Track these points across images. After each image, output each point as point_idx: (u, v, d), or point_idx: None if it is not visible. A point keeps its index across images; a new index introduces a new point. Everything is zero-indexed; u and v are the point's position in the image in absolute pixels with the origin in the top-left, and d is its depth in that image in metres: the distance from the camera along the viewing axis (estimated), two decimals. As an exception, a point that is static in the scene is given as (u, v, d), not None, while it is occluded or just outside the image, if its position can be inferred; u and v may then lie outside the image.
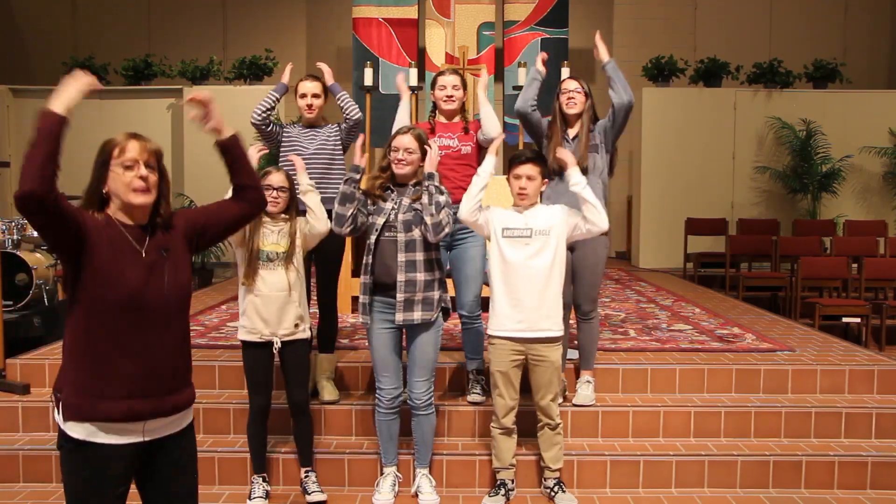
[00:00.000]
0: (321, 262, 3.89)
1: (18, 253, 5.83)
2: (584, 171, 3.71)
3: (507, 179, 3.43)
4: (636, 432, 3.84)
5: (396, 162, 3.32)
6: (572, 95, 3.82)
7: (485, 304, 3.77)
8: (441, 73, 3.98)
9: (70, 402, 1.96)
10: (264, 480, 3.45)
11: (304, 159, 3.70)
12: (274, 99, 4.04)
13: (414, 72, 6.52)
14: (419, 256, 3.28)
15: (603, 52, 3.88)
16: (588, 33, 10.05)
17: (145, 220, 2.05)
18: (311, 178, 3.63)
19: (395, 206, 3.31)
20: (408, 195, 3.33)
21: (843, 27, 10.10)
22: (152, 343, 2.00)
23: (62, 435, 1.99)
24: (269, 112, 3.98)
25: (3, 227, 6.20)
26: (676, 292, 6.67)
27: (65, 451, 1.99)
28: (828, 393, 4.11)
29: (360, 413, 3.83)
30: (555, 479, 3.48)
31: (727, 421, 3.86)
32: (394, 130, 3.54)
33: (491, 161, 3.39)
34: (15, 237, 6.24)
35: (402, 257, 3.26)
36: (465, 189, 3.47)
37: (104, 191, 2.03)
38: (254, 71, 8.88)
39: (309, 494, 3.45)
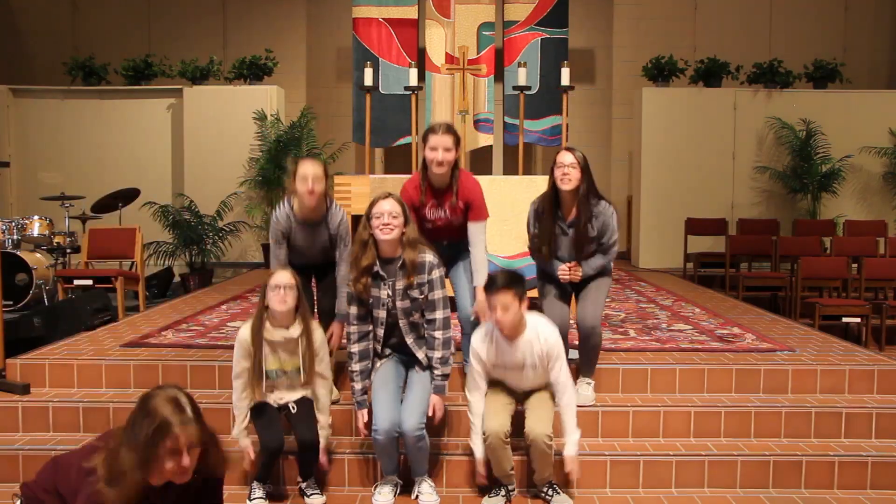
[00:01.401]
0: (321, 272, 3.91)
1: (18, 253, 5.83)
2: (583, 258, 3.80)
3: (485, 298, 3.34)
4: (636, 432, 3.84)
5: (382, 227, 3.28)
6: (567, 171, 3.66)
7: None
8: (433, 131, 3.64)
9: None
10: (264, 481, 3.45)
11: (306, 248, 3.80)
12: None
13: (414, 72, 6.52)
14: (424, 333, 3.46)
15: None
16: (588, 33, 10.13)
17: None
18: (314, 258, 3.79)
19: (391, 293, 3.38)
20: (399, 279, 3.35)
21: (843, 27, 10.09)
22: None
23: None
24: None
25: (3, 227, 6.21)
26: (676, 292, 6.67)
27: None
28: (828, 393, 4.11)
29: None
30: (547, 481, 3.48)
31: (727, 421, 3.86)
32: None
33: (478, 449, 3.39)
34: (15, 237, 6.24)
35: (409, 339, 3.43)
36: (459, 240, 3.65)
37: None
38: (254, 71, 8.89)
39: (308, 497, 3.46)
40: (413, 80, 6.42)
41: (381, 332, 3.43)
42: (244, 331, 3.36)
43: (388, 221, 3.28)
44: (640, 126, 9.02)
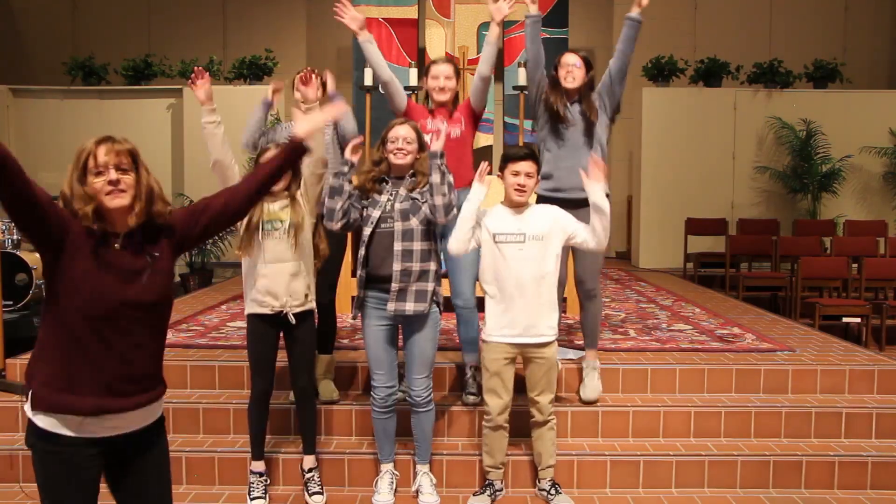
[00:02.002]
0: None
1: (18, 253, 5.83)
2: (591, 128, 3.72)
3: (501, 175, 3.36)
4: (636, 432, 3.84)
5: (396, 152, 3.26)
6: (570, 69, 3.75)
7: (480, 303, 3.77)
8: (434, 63, 3.88)
9: (39, 393, 1.98)
10: (263, 476, 3.45)
11: None
12: (258, 119, 3.92)
13: (414, 72, 6.52)
14: (416, 246, 3.24)
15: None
16: (588, 33, 10.12)
17: (129, 226, 2.01)
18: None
19: (391, 197, 3.27)
20: (404, 185, 3.29)
21: (843, 27, 10.10)
22: (124, 350, 2.00)
23: (30, 428, 2.01)
24: (256, 135, 3.88)
25: (3, 227, 6.20)
26: (676, 292, 6.67)
27: (34, 447, 2.02)
28: (828, 393, 4.11)
29: (360, 413, 3.83)
30: (549, 479, 3.47)
31: (727, 421, 3.86)
32: (379, 74, 3.61)
33: (477, 192, 3.26)
34: (15, 237, 6.23)
35: (398, 246, 3.21)
36: (455, 172, 3.45)
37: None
38: (254, 71, 8.89)
39: (311, 496, 3.45)
40: (413, 80, 6.42)
41: (367, 231, 3.25)
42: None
43: (403, 146, 3.25)
44: (640, 126, 9.02)
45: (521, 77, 6.34)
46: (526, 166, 3.28)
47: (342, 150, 3.68)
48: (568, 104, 3.80)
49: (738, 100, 8.99)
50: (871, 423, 3.88)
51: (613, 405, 3.90)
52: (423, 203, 3.24)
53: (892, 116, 8.96)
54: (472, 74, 7.45)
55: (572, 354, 4.20)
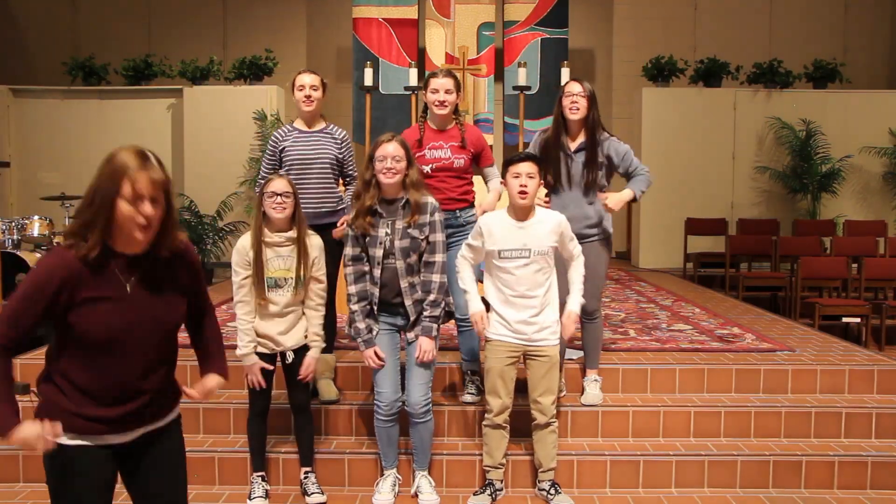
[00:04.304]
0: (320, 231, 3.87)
1: (18, 253, 5.83)
2: (590, 186, 3.73)
3: (504, 180, 3.37)
4: (636, 432, 3.84)
5: (384, 171, 3.24)
6: (575, 100, 3.68)
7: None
8: (434, 75, 3.80)
9: (47, 410, 1.98)
10: (264, 480, 3.46)
11: (305, 165, 3.76)
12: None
13: (414, 72, 6.52)
14: (418, 278, 3.31)
15: (617, 201, 3.70)
16: (588, 33, 10.13)
17: (141, 250, 1.97)
18: (310, 184, 3.70)
19: (389, 232, 3.29)
20: (400, 218, 3.30)
21: (843, 27, 10.10)
22: (133, 376, 1.99)
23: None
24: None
25: (3, 227, 6.20)
26: (676, 292, 6.67)
27: (45, 458, 2.00)
28: (828, 393, 4.11)
29: (360, 413, 3.83)
30: (549, 480, 3.47)
31: (727, 421, 3.86)
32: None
33: (476, 303, 3.31)
34: (15, 237, 6.24)
35: (404, 283, 3.29)
36: (458, 200, 3.52)
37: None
38: (254, 71, 8.88)
39: (309, 496, 3.46)
40: (413, 80, 6.42)
41: (377, 272, 3.29)
42: (243, 239, 3.34)
43: (392, 166, 3.24)
44: (640, 126, 9.02)
45: (522, 77, 6.35)
46: (526, 167, 3.28)
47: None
48: (571, 153, 3.76)
49: (737, 100, 8.99)
50: (871, 423, 3.88)
51: (613, 405, 3.90)
52: (422, 240, 3.29)
53: (892, 116, 8.96)
54: (473, 75, 7.42)
55: (573, 354, 4.20)
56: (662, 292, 6.69)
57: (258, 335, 3.31)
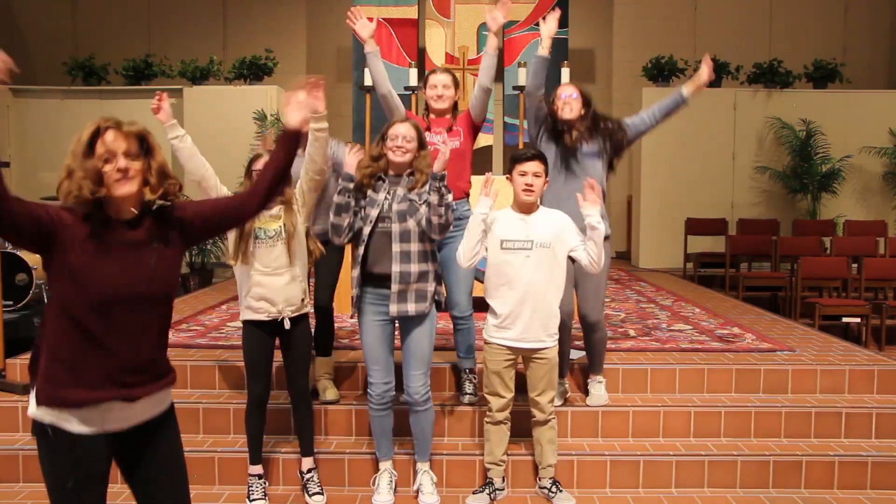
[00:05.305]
0: (318, 267, 3.87)
1: (18, 253, 5.82)
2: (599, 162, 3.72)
3: (509, 178, 3.37)
4: (636, 432, 3.84)
5: (395, 149, 3.24)
6: (567, 101, 3.72)
7: (477, 303, 3.77)
8: (433, 72, 3.90)
9: (44, 388, 1.96)
10: (261, 479, 3.44)
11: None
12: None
13: (414, 72, 6.52)
14: (414, 247, 3.22)
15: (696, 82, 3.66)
16: (588, 33, 10.12)
17: (135, 211, 1.99)
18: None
19: (389, 197, 3.25)
20: (402, 185, 3.27)
21: (843, 27, 10.09)
22: (128, 339, 1.98)
23: (35, 423, 2.00)
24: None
25: (3, 227, 6.20)
26: (676, 292, 6.67)
27: (40, 442, 2.00)
28: (828, 393, 4.11)
29: (360, 413, 3.83)
30: (550, 478, 3.47)
31: (727, 421, 3.86)
32: (378, 87, 3.61)
33: (484, 203, 3.24)
34: (15, 237, 6.24)
35: (396, 248, 3.20)
36: (454, 184, 3.43)
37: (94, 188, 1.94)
38: (254, 71, 8.88)
39: (311, 497, 3.45)
40: (413, 80, 6.42)
41: (367, 229, 3.23)
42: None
43: (402, 144, 3.24)
44: (640, 126, 9.01)
45: (521, 77, 6.35)
46: (533, 166, 3.28)
47: (337, 176, 3.61)
48: (577, 140, 3.74)
49: (737, 100, 8.99)
50: (871, 422, 3.88)
51: (613, 405, 3.90)
52: (421, 204, 3.22)
53: (892, 116, 8.96)
54: (473, 75, 7.44)
55: (575, 355, 4.20)
56: (662, 292, 6.69)
57: (252, 298, 3.27)
